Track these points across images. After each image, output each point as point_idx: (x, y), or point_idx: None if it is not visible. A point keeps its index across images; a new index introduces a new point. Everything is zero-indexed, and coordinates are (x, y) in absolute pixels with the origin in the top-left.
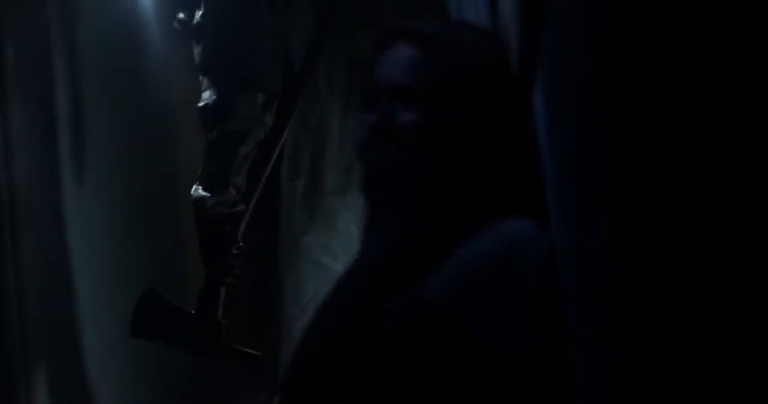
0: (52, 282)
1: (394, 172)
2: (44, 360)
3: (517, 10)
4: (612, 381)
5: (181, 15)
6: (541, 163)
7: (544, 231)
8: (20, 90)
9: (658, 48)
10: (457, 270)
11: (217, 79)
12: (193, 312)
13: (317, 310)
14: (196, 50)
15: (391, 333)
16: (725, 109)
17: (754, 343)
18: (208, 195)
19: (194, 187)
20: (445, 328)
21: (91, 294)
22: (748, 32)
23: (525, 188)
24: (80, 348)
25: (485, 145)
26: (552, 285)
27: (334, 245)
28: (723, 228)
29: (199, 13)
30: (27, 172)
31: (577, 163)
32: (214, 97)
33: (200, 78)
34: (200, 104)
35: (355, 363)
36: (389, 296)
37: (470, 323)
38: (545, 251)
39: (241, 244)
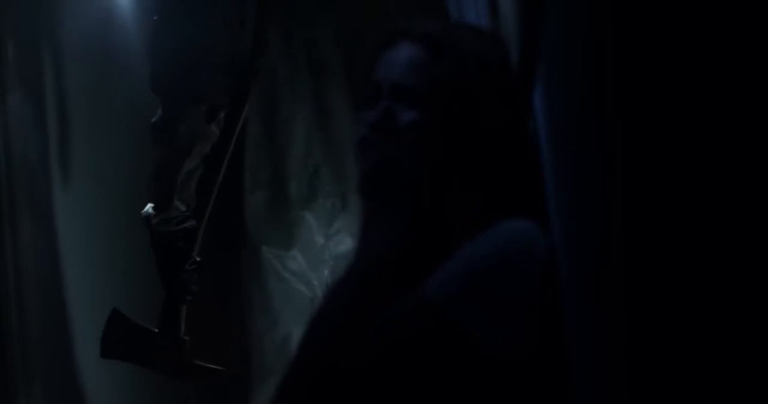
0: (45, 284)
1: (393, 170)
2: (42, 364)
3: (517, 10)
4: (612, 381)
5: (156, 17)
6: (541, 162)
7: (544, 231)
8: (19, 90)
9: (658, 48)
10: (457, 270)
11: (161, 95)
12: (155, 330)
13: (317, 310)
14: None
15: (392, 334)
16: (726, 109)
17: (754, 343)
18: (154, 213)
19: (147, 205)
20: (445, 328)
21: (86, 296)
22: (749, 34)
23: (525, 188)
24: (75, 351)
25: (485, 145)
26: (552, 285)
27: (298, 256)
28: (722, 227)
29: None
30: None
31: (577, 163)
32: (160, 113)
33: None
34: (152, 120)
35: (356, 364)
36: (389, 296)
37: (471, 323)
38: (545, 251)
39: (197, 260)
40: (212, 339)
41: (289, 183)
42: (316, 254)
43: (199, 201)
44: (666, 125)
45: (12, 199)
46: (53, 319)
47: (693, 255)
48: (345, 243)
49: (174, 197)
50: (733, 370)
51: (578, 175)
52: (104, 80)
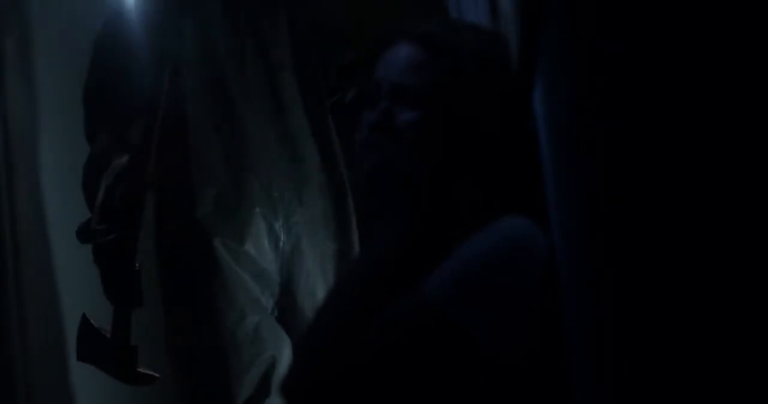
0: (43, 285)
1: (393, 170)
2: (42, 365)
3: (517, 10)
4: (612, 381)
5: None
6: (541, 162)
7: (544, 229)
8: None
9: (660, 48)
10: (456, 269)
11: (84, 108)
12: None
13: (317, 309)
14: None
15: (392, 334)
16: (728, 111)
17: (750, 341)
18: (82, 226)
19: None
20: (445, 328)
21: (83, 298)
22: (753, 38)
23: (525, 187)
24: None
25: (485, 145)
26: (552, 284)
27: (252, 251)
28: (723, 226)
29: None
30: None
31: (578, 163)
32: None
33: None
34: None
35: (356, 364)
36: (390, 296)
37: (470, 323)
38: (545, 250)
39: (137, 269)
40: (181, 342)
41: (243, 178)
42: (270, 249)
43: (129, 210)
44: (667, 125)
45: (12, 201)
46: (53, 322)
47: (694, 255)
48: (301, 239)
49: (96, 210)
50: (734, 371)
51: (578, 174)
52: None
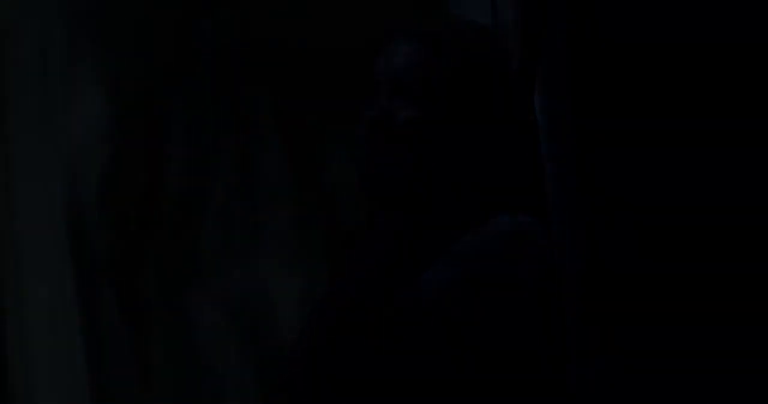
0: None
1: (392, 168)
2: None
3: (516, 10)
4: (611, 381)
5: None
6: (541, 160)
7: (544, 227)
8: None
9: (659, 48)
10: (455, 267)
11: None
12: None
13: (315, 306)
14: None
15: (390, 330)
16: (727, 111)
17: (749, 340)
18: None
19: None
20: (443, 325)
21: None
22: (752, 38)
23: (524, 185)
24: None
25: (485, 143)
26: (551, 281)
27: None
28: (721, 224)
29: None
30: None
31: (577, 163)
32: None
33: None
34: None
35: (354, 360)
36: (389, 293)
37: (469, 323)
38: (545, 247)
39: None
40: None
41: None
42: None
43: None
44: (666, 125)
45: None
46: None
47: (693, 254)
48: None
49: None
50: (733, 371)
51: (578, 174)
52: None
